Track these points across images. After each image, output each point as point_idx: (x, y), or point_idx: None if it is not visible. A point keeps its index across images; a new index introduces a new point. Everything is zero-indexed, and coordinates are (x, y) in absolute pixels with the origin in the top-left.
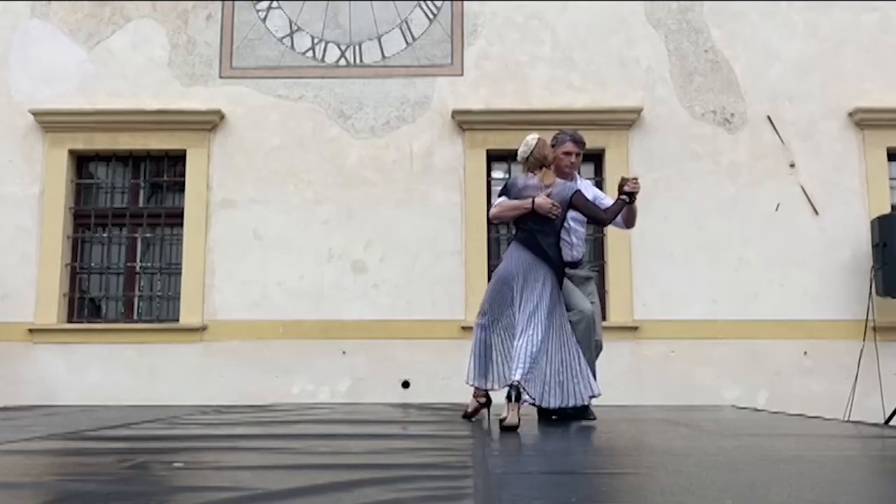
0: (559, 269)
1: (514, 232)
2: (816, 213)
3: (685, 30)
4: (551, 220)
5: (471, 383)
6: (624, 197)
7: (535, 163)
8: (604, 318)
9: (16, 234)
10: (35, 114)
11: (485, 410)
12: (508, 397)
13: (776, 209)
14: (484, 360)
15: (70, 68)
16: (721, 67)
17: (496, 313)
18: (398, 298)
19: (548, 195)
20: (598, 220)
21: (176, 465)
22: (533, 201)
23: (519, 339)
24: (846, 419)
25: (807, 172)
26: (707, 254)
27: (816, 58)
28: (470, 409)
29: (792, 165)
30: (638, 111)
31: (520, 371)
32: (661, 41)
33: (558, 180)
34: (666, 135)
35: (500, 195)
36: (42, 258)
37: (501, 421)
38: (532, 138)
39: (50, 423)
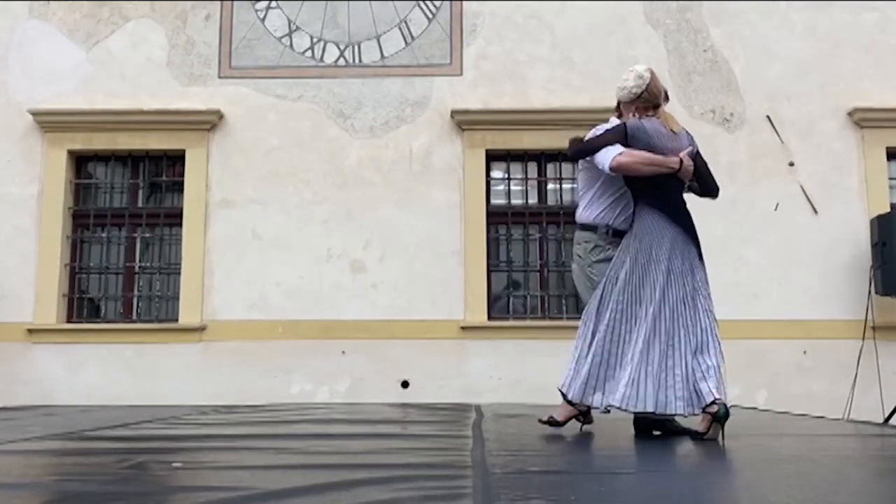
0: (698, 242)
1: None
2: (816, 212)
3: (684, 29)
4: (681, 180)
5: (578, 398)
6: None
7: (648, 102)
8: None
9: (15, 235)
10: (34, 114)
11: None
12: (719, 420)
13: (775, 209)
14: (602, 369)
15: (69, 68)
16: (720, 67)
17: (627, 303)
18: (397, 298)
19: (688, 151)
20: (709, 191)
21: (175, 465)
22: (681, 162)
23: (703, 348)
24: (845, 418)
25: (806, 172)
26: (706, 253)
27: (815, 57)
28: (561, 418)
29: (791, 165)
30: None
31: (720, 387)
32: (661, 41)
33: (681, 128)
34: None
35: (609, 139)
36: (41, 258)
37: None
38: (644, 69)
39: (48, 424)
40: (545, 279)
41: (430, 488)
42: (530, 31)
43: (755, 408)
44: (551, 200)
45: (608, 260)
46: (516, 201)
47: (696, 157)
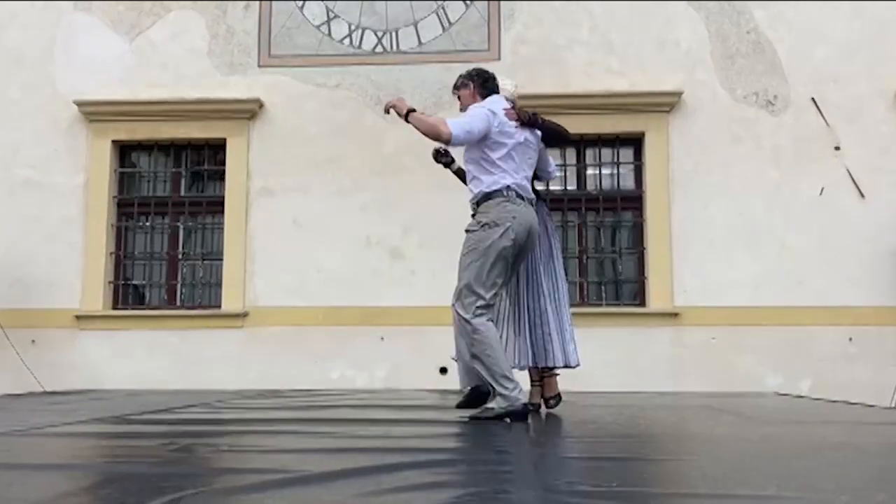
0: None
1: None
2: (863, 196)
3: (727, 10)
4: None
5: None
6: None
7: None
8: (644, 304)
9: (62, 223)
10: (79, 104)
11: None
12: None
13: (821, 193)
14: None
15: (112, 59)
16: (764, 49)
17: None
18: (436, 285)
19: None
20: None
21: (222, 448)
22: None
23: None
24: (893, 406)
25: (852, 156)
26: (749, 239)
27: (862, 38)
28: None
29: (837, 149)
30: (678, 94)
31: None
32: (702, 22)
33: None
34: (707, 118)
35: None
36: (87, 246)
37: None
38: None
39: (96, 408)
40: (584, 266)
41: (470, 472)
42: (569, 15)
43: (797, 395)
44: (590, 186)
45: None
46: (555, 187)
47: None
